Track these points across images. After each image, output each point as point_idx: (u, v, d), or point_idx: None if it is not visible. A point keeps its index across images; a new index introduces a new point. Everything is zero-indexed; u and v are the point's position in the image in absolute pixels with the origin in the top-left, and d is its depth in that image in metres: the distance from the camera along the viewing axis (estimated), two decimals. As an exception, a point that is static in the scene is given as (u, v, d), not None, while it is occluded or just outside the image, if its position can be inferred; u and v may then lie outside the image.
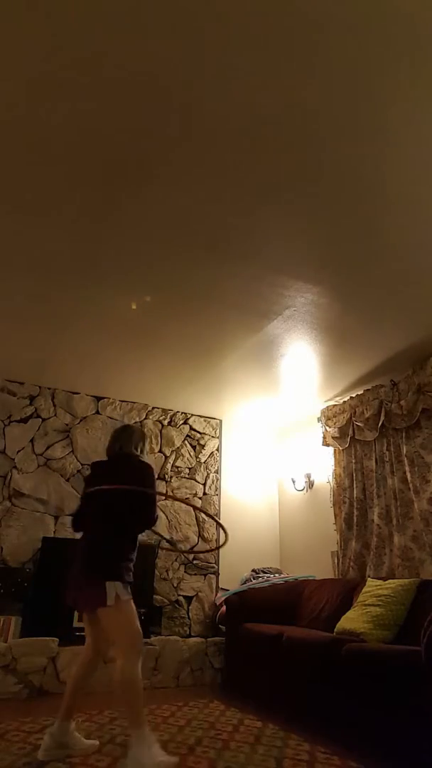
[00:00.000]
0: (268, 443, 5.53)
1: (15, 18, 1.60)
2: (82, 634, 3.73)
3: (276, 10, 1.56)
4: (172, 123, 1.94)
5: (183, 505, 4.78)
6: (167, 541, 2.69)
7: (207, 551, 2.59)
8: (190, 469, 4.95)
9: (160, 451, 4.86)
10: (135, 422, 4.81)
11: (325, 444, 4.59)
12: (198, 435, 5.12)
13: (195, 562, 4.68)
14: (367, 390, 4.19)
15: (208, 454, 5.11)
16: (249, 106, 1.86)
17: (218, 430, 5.25)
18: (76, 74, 1.77)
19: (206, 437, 5.15)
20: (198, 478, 4.96)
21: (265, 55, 1.68)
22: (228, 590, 4.39)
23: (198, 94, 1.82)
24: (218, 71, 1.74)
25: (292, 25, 1.59)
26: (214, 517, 2.60)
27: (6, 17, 1.60)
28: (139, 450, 2.62)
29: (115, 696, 2.20)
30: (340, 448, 4.42)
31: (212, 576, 4.73)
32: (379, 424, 3.96)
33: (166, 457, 4.87)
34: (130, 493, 2.36)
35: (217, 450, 5.19)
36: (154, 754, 2.02)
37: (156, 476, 4.64)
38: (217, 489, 5.05)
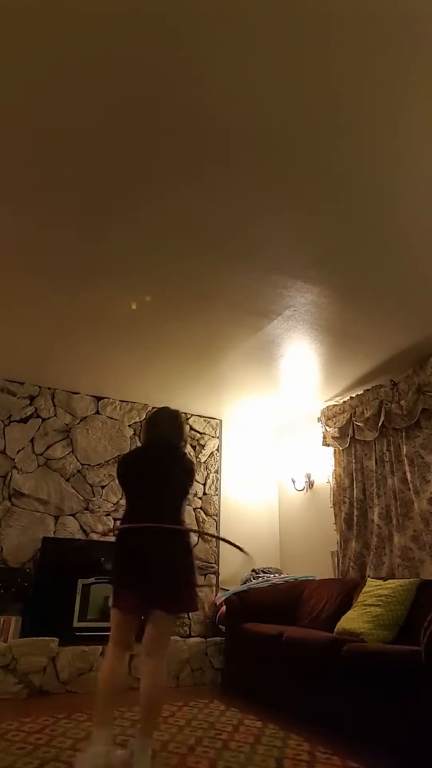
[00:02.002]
0: (268, 443, 5.53)
1: (14, 19, 1.60)
2: (82, 634, 3.78)
3: (282, 8, 1.55)
4: (173, 123, 1.94)
5: (183, 505, 4.79)
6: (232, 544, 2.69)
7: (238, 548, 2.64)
8: (190, 469, 4.95)
9: (160, 451, 4.85)
10: (135, 422, 4.81)
11: (325, 444, 4.59)
12: (198, 435, 5.12)
13: (195, 561, 4.68)
14: (367, 390, 4.19)
15: (208, 454, 5.11)
16: (251, 106, 1.86)
17: (218, 430, 5.25)
18: (77, 74, 1.77)
19: (206, 437, 5.15)
20: (198, 478, 4.96)
21: (268, 55, 1.68)
22: (228, 590, 4.39)
23: (200, 94, 1.82)
24: (222, 71, 1.74)
25: (295, 24, 1.59)
26: (238, 546, 2.63)
27: (6, 18, 1.60)
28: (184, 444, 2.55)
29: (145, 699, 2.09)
30: (340, 448, 4.42)
31: (212, 576, 4.73)
32: (379, 424, 3.96)
33: (166, 457, 4.87)
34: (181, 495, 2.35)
35: (217, 450, 5.19)
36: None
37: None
38: (217, 489, 5.05)
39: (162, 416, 2.56)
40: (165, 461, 2.39)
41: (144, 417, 2.69)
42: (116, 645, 2.17)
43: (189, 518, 4.79)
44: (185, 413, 5.10)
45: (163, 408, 2.64)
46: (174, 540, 2.22)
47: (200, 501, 4.90)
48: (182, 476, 2.39)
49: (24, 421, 4.38)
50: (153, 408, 4.91)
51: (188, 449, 5.02)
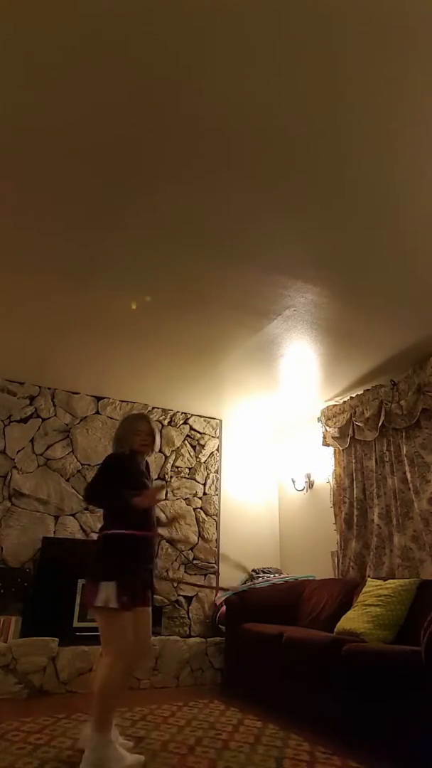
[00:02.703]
0: (268, 443, 5.53)
1: (14, 19, 1.60)
2: (82, 634, 3.77)
3: (281, 8, 1.55)
4: (172, 123, 1.94)
5: (183, 505, 4.79)
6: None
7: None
8: (190, 469, 4.95)
9: (160, 451, 4.86)
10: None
11: (325, 444, 4.59)
12: (198, 435, 5.12)
13: (195, 562, 4.68)
14: (367, 390, 4.19)
15: (208, 454, 5.11)
16: (250, 106, 1.86)
17: (218, 430, 5.25)
18: (76, 75, 1.77)
19: (206, 437, 5.15)
20: (198, 478, 4.96)
21: (267, 55, 1.68)
22: (228, 590, 4.39)
23: (199, 94, 1.82)
24: (221, 71, 1.74)
25: (295, 24, 1.59)
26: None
27: (5, 18, 1.60)
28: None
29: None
30: (340, 448, 4.42)
31: (212, 576, 4.73)
32: (379, 424, 3.96)
33: (166, 457, 4.87)
34: None
35: (217, 450, 5.19)
36: (117, 756, 2.03)
37: (156, 476, 4.67)
38: (217, 489, 5.05)
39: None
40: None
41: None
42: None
43: (189, 518, 4.80)
44: (186, 413, 5.11)
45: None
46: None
47: (200, 501, 4.90)
48: None
49: (24, 421, 4.38)
50: (153, 408, 4.93)
51: (188, 449, 5.02)
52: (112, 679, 2.14)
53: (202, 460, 5.05)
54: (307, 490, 4.94)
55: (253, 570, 4.72)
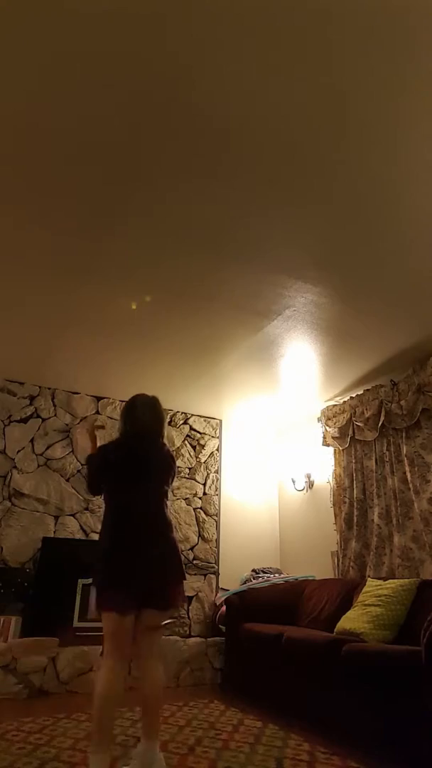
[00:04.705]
0: (267, 443, 5.53)
1: (14, 20, 1.60)
2: (82, 634, 3.78)
3: (281, 9, 1.55)
4: (172, 123, 1.94)
5: (183, 505, 4.79)
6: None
7: None
8: (190, 469, 4.95)
9: (160, 451, 4.85)
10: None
11: (325, 444, 4.59)
12: (198, 435, 5.12)
13: (195, 562, 4.68)
14: (367, 390, 4.19)
15: (208, 454, 5.11)
16: (250, 106, 1.86)
17: (218, 430, 5.25)
18: (76, 76, 1.77)
19: (206, 437, 5.15)
20: (198, 478, 4.96)
21: (267, 56, 1.68)
22: (228, 590, 4.39)
23: (201, 95, 1.82)
24: (223, 72, 1.74)
25: (294, 25, 1.59)
26: None
27: (5, 18, 1.60)
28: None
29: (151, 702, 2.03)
30: (340, 448, 4.42)
31: (212, 576, 4.73)
32: (379, 424, 3.96)
33: (166, 457, 4.86)
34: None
35: (217, 450, 5.19)
36: None
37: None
38: (217, 489, 5.05)
39: (141, 403, 2.36)
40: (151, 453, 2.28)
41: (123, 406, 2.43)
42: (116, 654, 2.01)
43: (188, 517, 4.80)
44: (186, 413, 5.11)
45: (140, 395, 2.41)
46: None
47: (200, 501, 4.90)
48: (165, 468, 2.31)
49: (24, 421, 4.38)
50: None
51: (188, 449, 5.02)
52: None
53: (202, 460, 5.05)
54: (307, 490, 4.94)
55: (253, 570, 4.72)
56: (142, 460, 2.24)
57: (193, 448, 5.05)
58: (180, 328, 3.49)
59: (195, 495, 4.90)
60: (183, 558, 2.23)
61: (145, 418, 2.31)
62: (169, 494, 2.31)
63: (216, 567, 4.77)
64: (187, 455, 4.98)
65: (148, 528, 2.12)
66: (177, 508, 4.75)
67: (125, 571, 2.03)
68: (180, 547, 2.22)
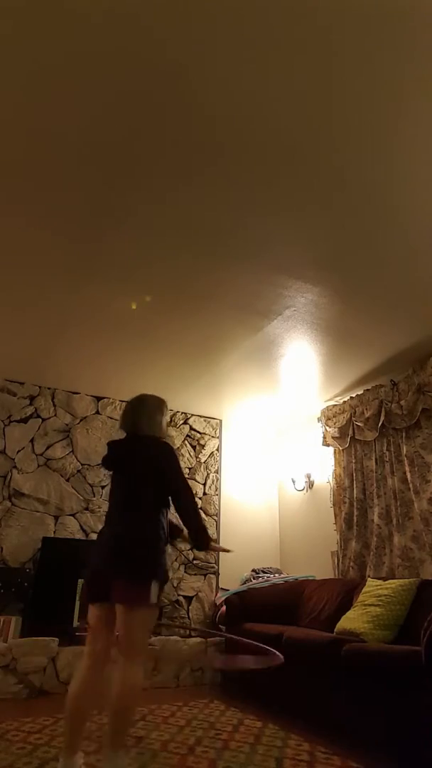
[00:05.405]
0: (267, 443, 5.53)
1: (14, 20, 1.60)
2: (83, 634, 3.76)
3: (280, 9, 1.55)
4: (174, 124, 1.94)
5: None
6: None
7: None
8: (190, 469, 4.95)
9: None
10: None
11: (325, 444, 4.59)
12: (198, 435, 5.12)
13: (195, 562, 4.68)
14: (367, 390, 4.19)
15: (208, 454, 5.11)
16: (249, 107, 1.86)
17: (218, 430, 5.25)
18: (75, 76, 1.77)
19: (206, 437, 5.15)
20: (198, 478, 4.96)
21: (266, 57, 1.68)
22: (228, 590, 4.39)
23: (200, 95, 1.82)
24: (223, 72, 1.74)
25: (294, 25, 1.59)
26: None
27: (5, 19, 1.60)
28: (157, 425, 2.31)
29: (110, 705, 1.87)
30: (340, 448, 4.42)
31: (212, 576, 4.73)
32: (379, 424, 3.96)
33: (166, 457, 4.86)
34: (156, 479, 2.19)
35: (217, 450, 5.19)
36: None
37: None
38: (217, 489, 5.05)
39: (129, 402, 2.37)
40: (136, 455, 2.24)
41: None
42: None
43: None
44: (186, 413, 5.10)
45: (138, 395, 2.41)
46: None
47: (200, 501, 4.90)
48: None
49: (24, 421, 4.38)
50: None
51: (188, 449, 5.02)
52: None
53: (202, 460, 5.05)
54: (307, 490, 4.94)
55: (253, 570, 4.72)
56: (117, 460, 2.28)
57: (193, 448, 5.05)
58: (180, 328, 3.49)
59: (195, 495, 4.89)
60: (159, 559, 2.09)
61: (126, 417, 2.35)
62: (174, 488, 2.26)
63: (216, 567, 4.77)
64: (187, 455, 4.98)
65: (115, 524, 2.13)
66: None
67: (91, 562, 2.08)
68: (156, 546, 2.10)
